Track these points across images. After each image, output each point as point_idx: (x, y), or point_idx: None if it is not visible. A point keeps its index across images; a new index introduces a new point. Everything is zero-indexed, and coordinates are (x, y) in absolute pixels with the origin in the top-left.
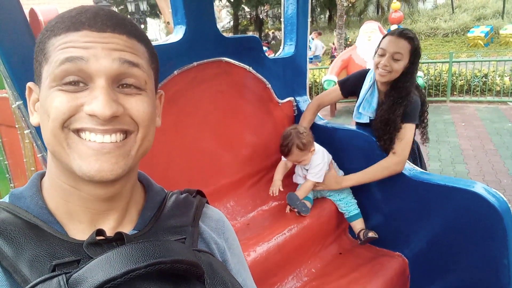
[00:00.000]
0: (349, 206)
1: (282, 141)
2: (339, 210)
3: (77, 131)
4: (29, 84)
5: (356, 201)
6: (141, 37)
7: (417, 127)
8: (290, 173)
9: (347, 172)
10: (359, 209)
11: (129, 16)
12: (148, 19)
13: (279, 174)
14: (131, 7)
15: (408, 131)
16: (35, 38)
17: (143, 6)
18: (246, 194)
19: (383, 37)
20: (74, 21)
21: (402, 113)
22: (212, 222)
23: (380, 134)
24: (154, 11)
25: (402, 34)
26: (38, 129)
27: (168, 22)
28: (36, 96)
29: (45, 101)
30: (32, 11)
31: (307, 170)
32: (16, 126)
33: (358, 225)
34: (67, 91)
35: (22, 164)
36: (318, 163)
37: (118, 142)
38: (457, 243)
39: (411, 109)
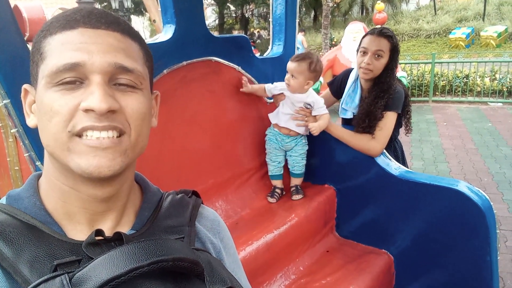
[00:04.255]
0: (299, 163)
1: (298, 55)
2: (288, 165)
3: (79, 134)
4: (25, 86)
5: (305, 162)
6: (135, 35)
7: (400, 118)
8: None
9: (342, 173)
10: (304, 170)
11: None
12: (132, 17)
13: (255, 86)
14: (115, 4)
15: (389, 119)
16: (23, 36)
17: (127, 3)
18: (235, 193)
19: (364, 36)
20: (69, 19)
21: (384, 105)
22: (208, 222)
23: (360, 123)
24: (139, 9)
25: (382, 33)
26: (26, 128)
27: (154, 20)
28: (32, 98)
29: (42, 102)
30: (16, 8)
31: (298, 105)
32: (0, 125)
33: (297, 181)
34: (64, 90)
35: (5, 163)
36: (319, 97)
37: (114, 138)
38: (441, 240)
39: (394, 99)
